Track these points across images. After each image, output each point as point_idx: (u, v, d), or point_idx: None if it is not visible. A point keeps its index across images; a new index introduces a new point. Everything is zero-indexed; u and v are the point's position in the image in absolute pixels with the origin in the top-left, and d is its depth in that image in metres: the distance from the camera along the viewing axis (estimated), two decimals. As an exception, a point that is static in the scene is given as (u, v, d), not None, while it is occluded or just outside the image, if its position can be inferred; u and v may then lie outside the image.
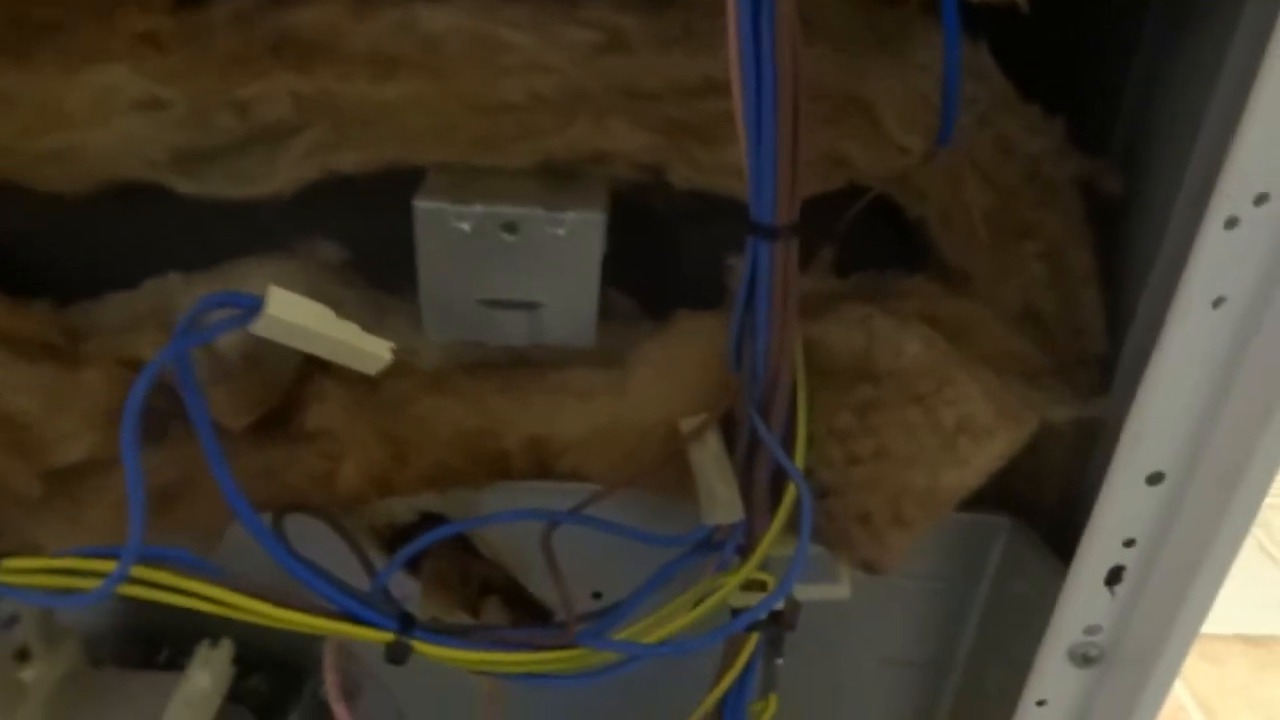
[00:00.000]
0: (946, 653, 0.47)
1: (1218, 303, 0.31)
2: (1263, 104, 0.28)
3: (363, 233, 0.41)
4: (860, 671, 0.49)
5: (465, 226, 0.36)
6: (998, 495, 0.42)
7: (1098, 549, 0.36)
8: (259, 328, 0.31)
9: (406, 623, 0.34)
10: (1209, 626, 1.32)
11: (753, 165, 0.32)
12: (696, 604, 0.38)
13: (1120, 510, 0.35)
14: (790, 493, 0.37)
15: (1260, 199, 0.29)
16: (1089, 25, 0.39)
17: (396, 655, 0.33)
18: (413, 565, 0.43)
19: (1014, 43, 0.37)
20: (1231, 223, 0.29)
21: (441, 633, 0.34)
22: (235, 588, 0.32)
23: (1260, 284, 0.30)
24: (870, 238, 0.41)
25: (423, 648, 0.34)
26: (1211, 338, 0.31)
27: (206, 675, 0.42)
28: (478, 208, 0.36)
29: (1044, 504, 0.43)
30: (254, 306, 0.30)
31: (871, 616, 0.47)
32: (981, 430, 0.35)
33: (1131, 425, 0.33)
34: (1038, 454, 0.40)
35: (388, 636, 0.33)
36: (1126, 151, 0.40)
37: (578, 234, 0.36)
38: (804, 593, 0.40)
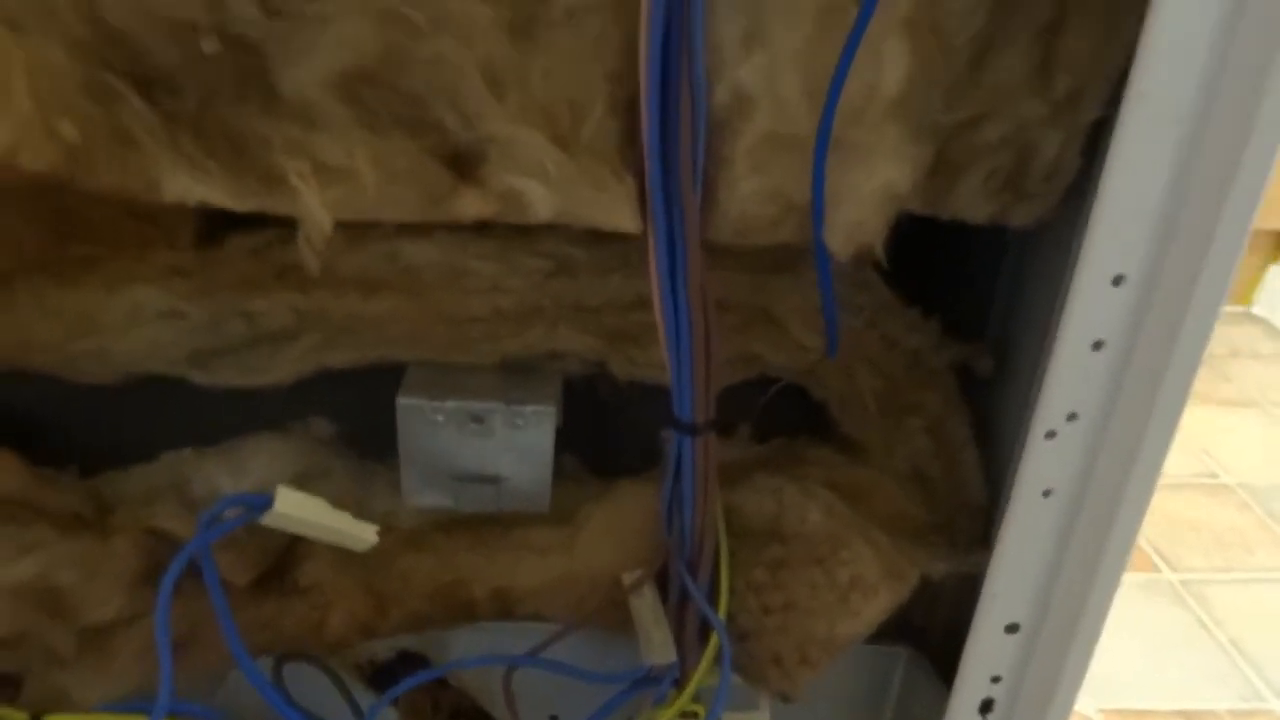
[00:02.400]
0: (862, 765, 0.54)
1: (1047, 494, 0.38)
2: (1065, 344, 0.35)
3: (350, 411, 0.47)
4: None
5: (440, 418, 0.43)
6: (900, 626, 0.49)
7: (970, 684, 0.43)
8: (269, 520, 0.37)
9: (388, 762, 0.40)
10: (1151, 702, 1.39)
11: (674, 376, 0.39)
12: (637, 732, 0.44)
13: (985, 653, 0.42)
14: (715, 637, 0.44)
15: (1071, 416, 0.37)
16: (965, 242, 0.47)
17: (380, 792, 0.39)
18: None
19: (904, 253, 0.44)
20: (1050, 435, 0.37)
21: (418, 769, 0.40)
22: (243, 736, 0.38)
23: (1078, 481, 0.38)
24: (784, 412, 0.48)
25: (402, 783, 0.40)
26: (1042, 521, 0.38)
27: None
28: (450, 403, 0.43)
29: (936, 635, 0.49)
30: (264, 504, 0.37)
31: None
32: (869, 588, 0.42)
33: (989, 585, 0.40)
34: (931, 593, 0.47)
35: (373, 776, 0.39)
36: (998, 338, 0.48)
37: (533, 423, 0.43)
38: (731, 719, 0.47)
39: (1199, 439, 2.06)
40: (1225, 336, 2.42)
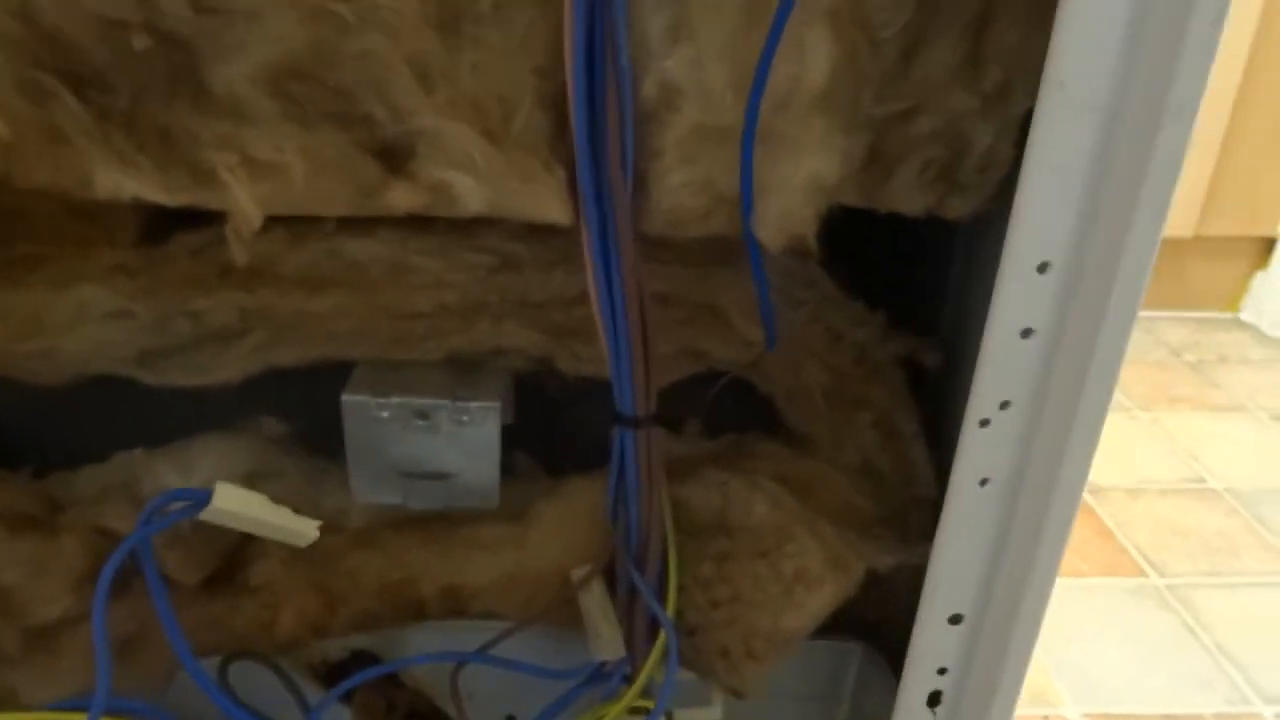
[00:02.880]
0: (821, 761, 0.54)
1: (984, 482, 0.38)
2: (995, 332, 0.36)
3: (301, 410, 0.48)
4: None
5: (385, 415, 0.43)
6: (855, 621, 0.49)
7: (917, 676, 0.43)
8: (207, 515, 0.37)
9: (331, 758, 0.40)
10: (1137, 707, 1.38)
11: (613, 369, 0.40)
12: (588, 728, 0.44)
13: (930, 645, 0.42)
14: (663, 632, 0.44)
15: (1004, 405, 0.37)
16: (919, 238, 0.47)
17: (322, 787, 0.39)
18: (345, 697, 0.49)
19: (858, 249, 0.44)
20: (984, 423, 0.37)
21: (361, 765, 0.40)
22: (184, 733, 0.38)
23: (1013, 469, 0.38)
24: (734, 408, 0.48)
25: (345, 779, 0.40)
26: (981, 510, 0.38)
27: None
28: (395, 399, 0.43)
29: (891, 630, 0.49)
30: (204, 499, 0.37)
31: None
32: (814, 580, 0.42)
33: (931, 576, 0.40)
34: (886, 587, 0.47)
35: (314, 771, 0.39)
36: (950, 332, 0.48)
37: (479, 419, 0.43)
38: (684, 716, 0.47)
39: (1187, 444, 2.06)
40: (1213, 342, 2.42)
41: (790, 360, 0.45)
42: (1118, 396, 0.37)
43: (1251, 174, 2.21)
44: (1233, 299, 2.49)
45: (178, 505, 0.37)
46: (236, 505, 0.37)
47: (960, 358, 0.47)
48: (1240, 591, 1.67)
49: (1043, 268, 0.34)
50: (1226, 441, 2.10)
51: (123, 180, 0.34)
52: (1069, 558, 0.42)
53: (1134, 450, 2.03)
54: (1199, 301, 2.51)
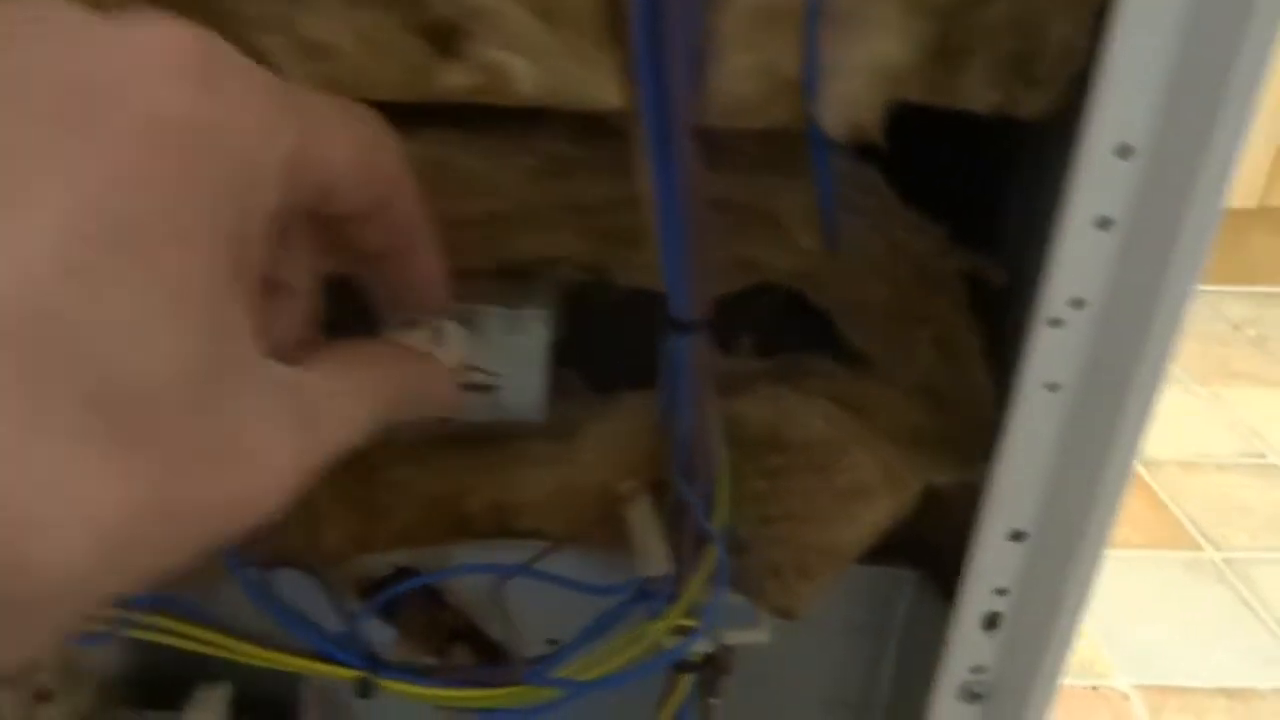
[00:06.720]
0: (872, 694, 0.52)
1: (1052, 387, 0.37)
2: (1069, 222, 0.34)
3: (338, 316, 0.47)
4: (799, 712, 0.54)
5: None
6: (911, 546, 0.48)
7: (974, 597, 0.41)
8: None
9: (373, 663, 0.39)
10: (1191, 680, 1.36)
11: (667, 271, 0.38)
12: (631, 645, 0.43)
13: (990, 563, 0.40)
14: (712, 548, 0.43)
15: (1076, 303, 0.35)
16: (974, 144, 0.46)
17: (363, 691, 0.39)
18: (391, 615, 0.49)
19: (918, 162, 0.43)
20: (1055, 323, 0.35)
21: (404, 671, 0.40)
22: (225, 631, 0.38)
23: (1084, 372, 0.36)
24: (788, 328, 0.47)
25: (387, 684, 0.39)
26: (1047, 417, 0.37)
27: (205, 714, 0.47)
28: (442, 306, 0.42)
29: (950, 553, 0.48)
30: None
31: (805, 661, 0.52)
32: (870, 494, 0.41)
33: (991, 488, 0.39)
34: (943, 508, 0.46)
35: (356, 674, 0.39)
36: (1014, 248, 0.46)
37: (528, 328, 0.42)
38: (729, 637, 0.46)
39: (1248, 420, 2.01)
40: (1275, 317, 2.35)
41: (849, 273, 0.44)
42: (1172, 369, 0.35)
43: (1319, 143, 2.13)
44: (1295, 273, 2.42)
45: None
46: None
47: (1020, 265, 0.45)
48: (1301, 568, 1.63)
49: (1124, 152, 0.33)
50: (1288, 417, 2.04)
51: (170, 59, 0.33)
52: (1119, 528, 0.40)
53: (1189, 424, 1.98)
54: (1262, 275, 2.44)
